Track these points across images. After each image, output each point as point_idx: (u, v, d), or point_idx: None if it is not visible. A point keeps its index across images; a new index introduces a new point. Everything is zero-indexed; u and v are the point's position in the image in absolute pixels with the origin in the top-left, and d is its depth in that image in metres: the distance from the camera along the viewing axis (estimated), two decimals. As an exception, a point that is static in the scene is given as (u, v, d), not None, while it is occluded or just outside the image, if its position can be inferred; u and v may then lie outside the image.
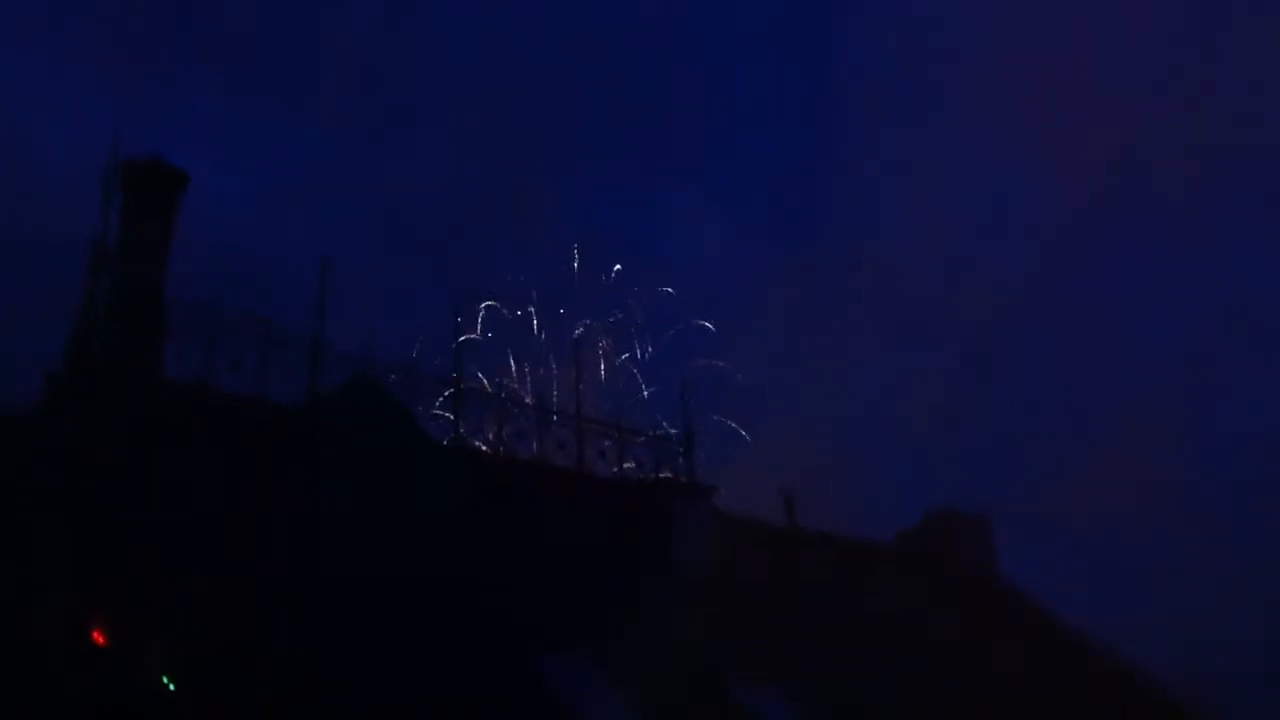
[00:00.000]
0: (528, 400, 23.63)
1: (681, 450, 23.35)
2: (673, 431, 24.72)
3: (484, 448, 24.70)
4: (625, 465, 22.89)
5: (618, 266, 32.18)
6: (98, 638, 12.27)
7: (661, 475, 22.34)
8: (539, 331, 30.24)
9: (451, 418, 21.78)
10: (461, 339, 22.96)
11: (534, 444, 23.07)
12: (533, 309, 30.48)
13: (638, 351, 32.29)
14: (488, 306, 29.99)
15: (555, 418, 23.47)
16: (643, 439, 23.40)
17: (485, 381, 28.98)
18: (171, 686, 11.86)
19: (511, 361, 29.93)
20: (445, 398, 21.94)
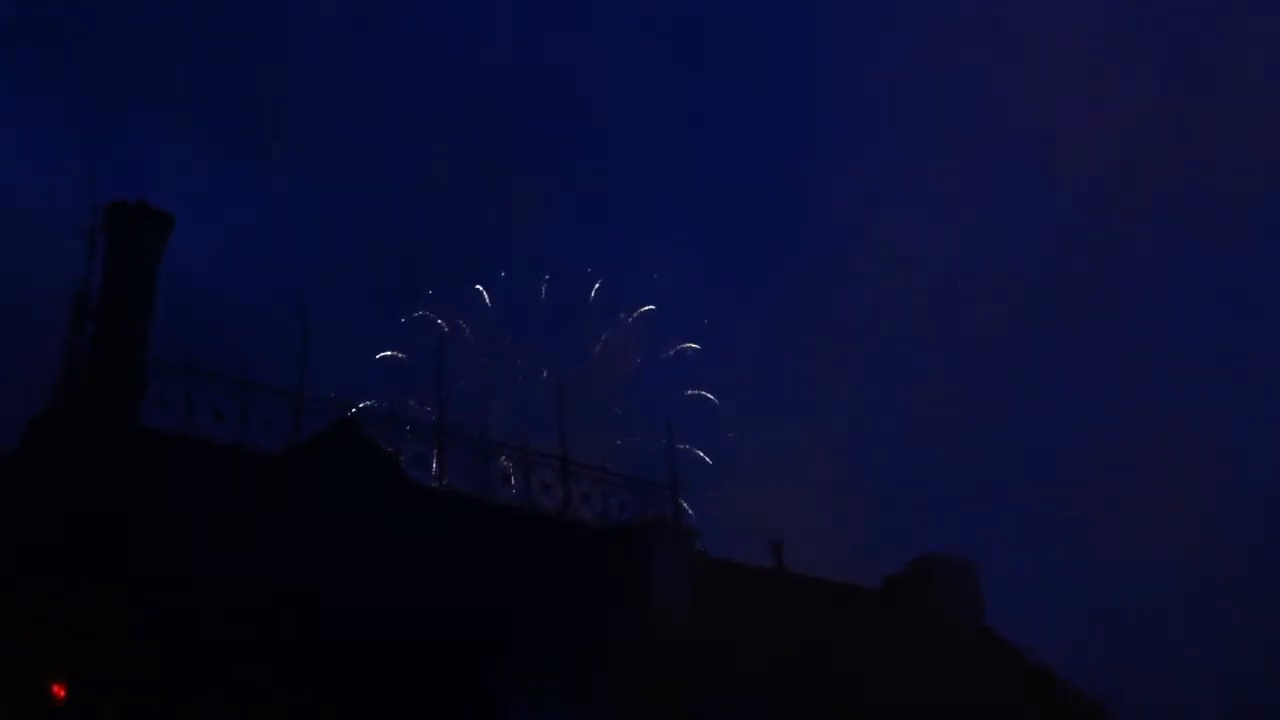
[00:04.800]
0: (510, 442, 23.60)
1: (667, 494, 23.38)
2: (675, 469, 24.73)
3: (466, 490, 24.71)
4: (611, 509, 22.92)
5: (597, 285, 32.16)
6: (57, 692, 12.25)
7: (646, 519, 22.32)
8: (520, 368, 30.34)
9: (435, 461, 21.82)
10: (442, 387, 23.04)
11: (517, 487, 23.15)
12: (514, 347, 30.62)
13: (623, 390, 32.35)
14: (466, 341, 30.10)
15: (538, 457, 23.52)
16: (628, 482, 23.43)
17: (473, 429, 29.08)
18: None
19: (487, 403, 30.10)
20: (429, 440, 21.98)
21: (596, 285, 32.01)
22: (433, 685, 16.36)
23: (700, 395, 30.66)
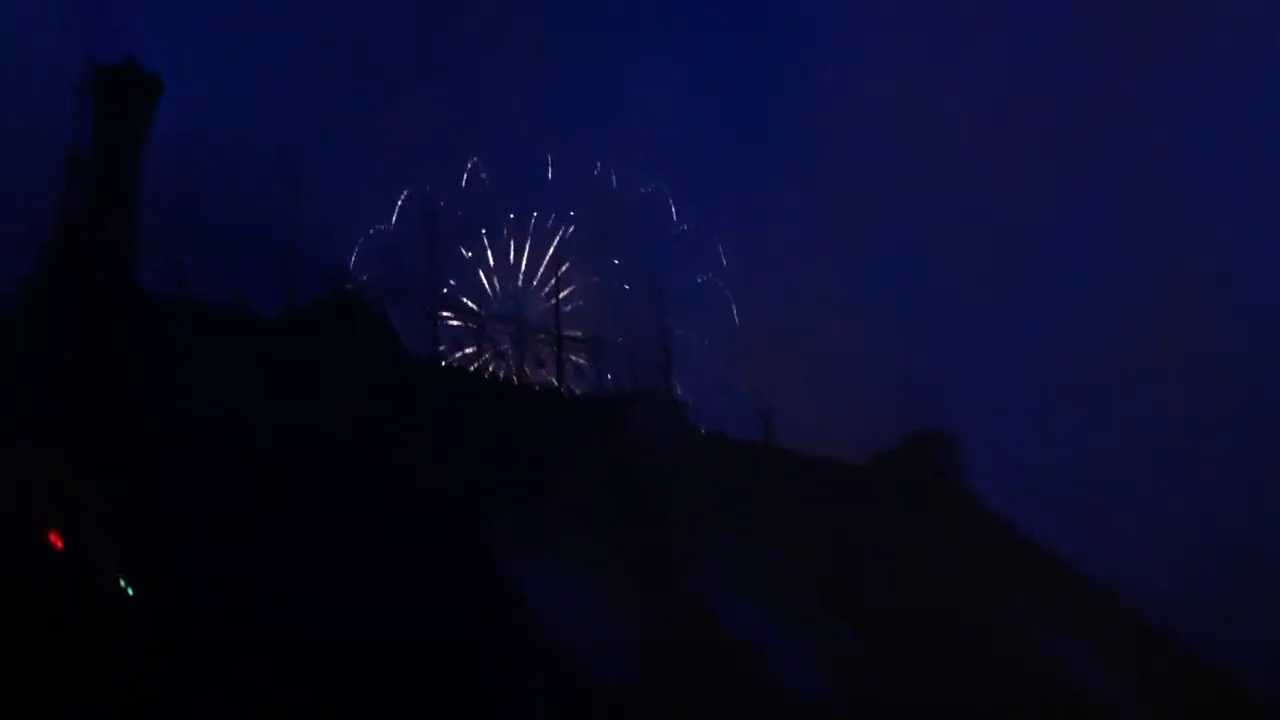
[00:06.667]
0: (506, 316, 23.69)
1: (658, 366, 23.55)
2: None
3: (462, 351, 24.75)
4: (604, 382, 23.10)
5: (599, 164, 31.77)
6: (55, 541, 12.44)
7: (637, 391, 22.53)
8: (513, 242, 30.15)
9: (429, 331, 21.90)
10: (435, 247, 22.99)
11: (511, 359, 23.31)
12: (506, 230, 30.28)
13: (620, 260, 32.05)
14: (462, 211, 29.73)
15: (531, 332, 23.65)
16: (620, 356, 23.58)
17: (466, 300, 29.09)
18: (130, 591, 12.05)
19: (485, 278, 29.97)
20: (423, 312, 22.04)
21: (598, 164, 31.54)
22: (435, 554, 16.62)
23: (710, 280, 30.39)
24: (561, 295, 28.53)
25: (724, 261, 31.08)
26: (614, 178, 31.03)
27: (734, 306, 30.01)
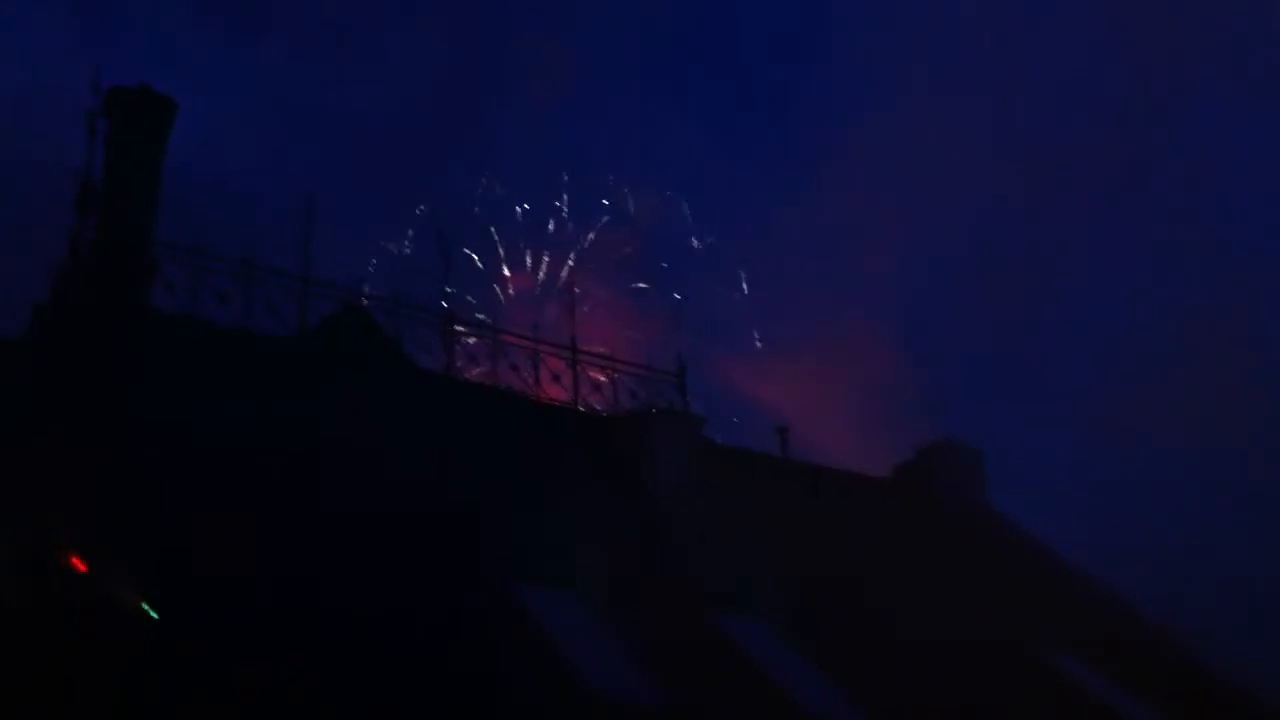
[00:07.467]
0: (519, 332, 23.70)
1: (674, 382, 23.55)
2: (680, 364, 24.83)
3: (474, 374, 24.88)
4: (620, 397, 23.07)
5: (611, 177, 31.95)
6: (78, 564, 12.50)
7: (653, 405, 22.51)
8: (528, 256, 30.33)
9: (443, 348, 21.95)
10: (448, 267, 23.15)
11: (527, 376, 23.32)
12: (521, 243, 30.51)
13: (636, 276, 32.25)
14: (474, 228, 30.02)
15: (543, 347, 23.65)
16: (635, 371, 23.58)
17: (479, 315, 29.25)
18: (154, 615, 12.06)
19: (498, 290, 30.13)
20: (436, 328, 22.09)
21: (612, 178, 31.76)
22: (442, 571, 16.60)
23: (726, 295, 30.58)
24: (577, 311, 28.61)
25: (741, 276, 31.31)
26: (629, 195, 31.25)
27: (751, 322, 30.21)
